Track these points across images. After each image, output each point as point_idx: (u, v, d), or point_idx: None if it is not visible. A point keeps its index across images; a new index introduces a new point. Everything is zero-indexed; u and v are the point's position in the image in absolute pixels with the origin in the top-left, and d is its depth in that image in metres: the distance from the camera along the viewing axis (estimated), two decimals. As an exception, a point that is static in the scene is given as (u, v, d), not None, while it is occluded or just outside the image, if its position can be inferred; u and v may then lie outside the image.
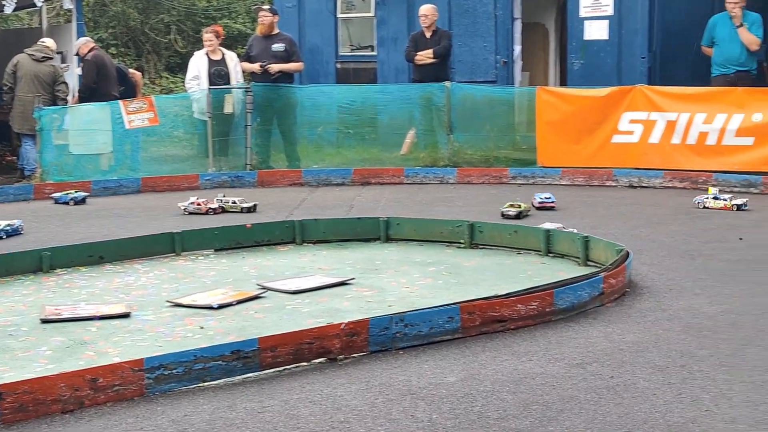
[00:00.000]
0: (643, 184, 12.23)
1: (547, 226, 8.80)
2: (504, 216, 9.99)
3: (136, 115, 13.51)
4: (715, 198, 10.40)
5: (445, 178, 13.09)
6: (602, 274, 6.85)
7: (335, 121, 14.46)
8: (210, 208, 10.76)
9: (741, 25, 12.36)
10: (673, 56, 13.98)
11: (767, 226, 9.62)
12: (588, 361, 5.64)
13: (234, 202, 10.87)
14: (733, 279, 7.47)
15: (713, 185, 11.35)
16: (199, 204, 10.80)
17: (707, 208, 10.40)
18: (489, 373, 5.45)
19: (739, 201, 10.33)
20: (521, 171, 12.97)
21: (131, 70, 16.08)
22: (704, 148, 12.18)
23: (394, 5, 16.02)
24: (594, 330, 6.24)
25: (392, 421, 4.77)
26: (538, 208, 10.53)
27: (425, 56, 13.94)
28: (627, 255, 7.31)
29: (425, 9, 14.05)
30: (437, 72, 13.89)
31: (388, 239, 9.08)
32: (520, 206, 10.15)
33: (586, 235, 8.14)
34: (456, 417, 4.82)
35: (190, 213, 10.74)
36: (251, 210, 10.82)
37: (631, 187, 12.25)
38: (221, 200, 10.90)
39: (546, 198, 10.67)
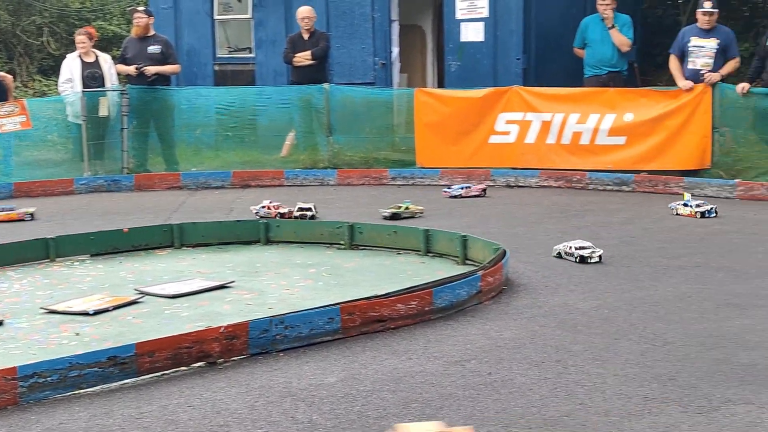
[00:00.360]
0: (520, 184, 12.43)
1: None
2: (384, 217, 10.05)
3: (7, 119, 13.21)
4: (685, 205, 10.14)
5: (325, 180, 13.11)
6: (480, 273, 6.95)
7: (213, 123, 14.34)
8: (279, 213, 10.41)
9: (612, 26, 12.65)
10: (548, 57, 14.23)
11: (639, 223, 9.87)
12: (466, 358, 5.72)
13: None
14: (605, 275, 7.65)
15: (628, 185, 11.59)
16: (269, 208, 10.52)
17: (679, 215, 10.11)
18: (369, 373, 5.48)
19: (703, 209, 9.98)
20: (401, 172, 13.06)
21: (1, 74, 15.66)
22: (578, 147, 12.43)
23: (272, 7, 15.97)
24: (472, 327, 6.33)
25: (272, 424, 4.77)
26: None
27: (303, 58, 13.94)
28: (504, 253, 7.43)
29: (304, 11, 14.05)
30: (316, 74, 13.90)
31: (269, 242, 9.06)
32: (399, 207, 10.22)
33: (464, 234, 8.24)
34: (336, 417, 4.83)
35: (261, 217, 10.28)
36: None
37: (509, 186, 12.44)
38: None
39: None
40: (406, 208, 10.29)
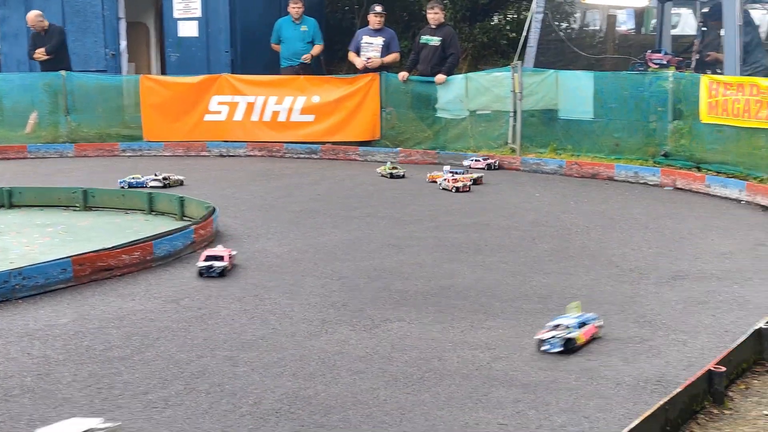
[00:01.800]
0: (231, 154, 12.31)
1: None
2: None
3: None
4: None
5: (64, 153, 12.45)
6: (193, 227, 6.84)
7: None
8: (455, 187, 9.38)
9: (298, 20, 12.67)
10: (251, 51, 14.08)
11: (324, 184, 10.02)
12: (181, 297, 5.63)
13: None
14: (296, 225, 7.73)
15: (285, 153, 11.62)
16: (448, 180, 9.51)
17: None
18: (97, 313, 5.29)
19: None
20: (130, 145, 12.58)
21: None
22: (277, 123, 12.44)
23: (14, 5, 14.89)
24: (187, 272, 6.23)
25: (11, 360, 4.51)
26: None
27: (41, 54, 13.14)
28: (213, 210, 7.35)
29: (30, 18, 13.22)
30: (59, 64, 13.12)
31: (12, 206, 8.50)
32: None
33: (181, 195, 8.08)
34: (67, 351, 4.63)
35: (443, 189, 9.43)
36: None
37: (221, 156, 12.28)
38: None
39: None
40: (393, 167, 10.29)
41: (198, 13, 14.02)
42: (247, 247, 6.94)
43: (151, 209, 8.16)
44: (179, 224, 7.37)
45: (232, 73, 13.22)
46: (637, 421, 3.41)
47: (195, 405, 3.99)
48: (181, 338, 4.84)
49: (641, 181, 9.80)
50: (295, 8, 12.78)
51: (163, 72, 14.98)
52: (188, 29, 14.06)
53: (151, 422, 3.82)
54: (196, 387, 4.19)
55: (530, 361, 4.54)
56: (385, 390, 4.16)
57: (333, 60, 15.22)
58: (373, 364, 4.48)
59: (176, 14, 14.17)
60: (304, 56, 12.53)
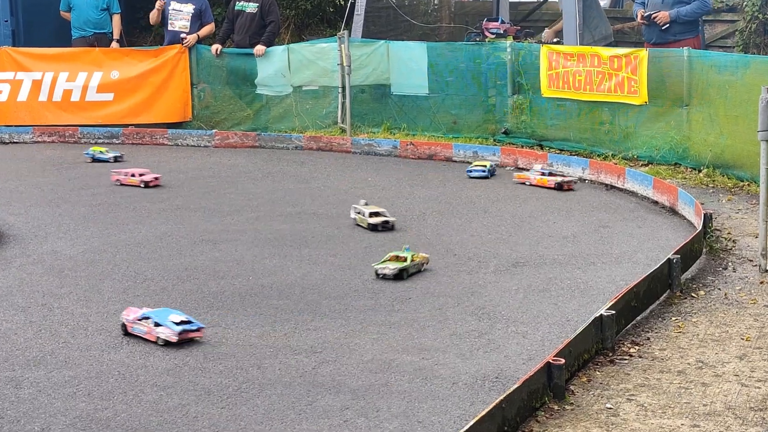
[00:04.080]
0: (15, 140, 11.80)
1: None
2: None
3: None
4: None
5: None
6: (-32, 227, 6.55)
7: None
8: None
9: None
10: (37, 20, 13.55)
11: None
12: (-46, 310, 5.39)
13: None
14: (93, 222, 7.53)
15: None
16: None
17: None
18: None
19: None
20: None
21: None
22: (70, 104, 12.03)
23: None
24: (-39, 280, 5.96)
25: None
26: None
27: None
28: (-8, 207, 7.07)
29: None
30: None
31: None
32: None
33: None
34: None
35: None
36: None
37: (2, 143, 11.76)
38: None
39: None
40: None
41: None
42: (33, 248, 6.71)
43: None
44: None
45: (14, 45, 12.69)
46: (471, 423, 3.52)
47: (-30, 436, 3.83)
48: (-46, 359, 4.63)
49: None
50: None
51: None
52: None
53: None
54: (-29, 415, 4.02)
55: (360, 363, 4.60)
56: (196, 406, 4.12)
57: (134, 29, 14.85)
58: (183, 378, 4.42)
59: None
60: (189, 38, 11.93)
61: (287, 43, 12.83)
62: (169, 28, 12.16)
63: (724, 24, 12.94)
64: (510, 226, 7.40)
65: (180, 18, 12.15)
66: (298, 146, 11.10)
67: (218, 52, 11.90)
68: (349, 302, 5.55)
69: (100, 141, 11.59)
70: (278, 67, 11.80)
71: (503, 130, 10.76)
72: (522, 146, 10.38)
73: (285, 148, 11.08)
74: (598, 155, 9.73)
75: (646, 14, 10.23)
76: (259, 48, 11.71)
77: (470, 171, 9.33)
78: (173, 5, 12.13)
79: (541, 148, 10.26)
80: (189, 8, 12.11)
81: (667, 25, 10.13)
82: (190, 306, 5.43)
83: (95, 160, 10.30)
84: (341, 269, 6.23)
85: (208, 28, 12.21)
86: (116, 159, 10.32)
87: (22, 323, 5.14)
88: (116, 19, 12.47)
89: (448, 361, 4.63)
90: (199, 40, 12.08)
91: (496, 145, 10.49)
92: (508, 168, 9.72)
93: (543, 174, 8.86)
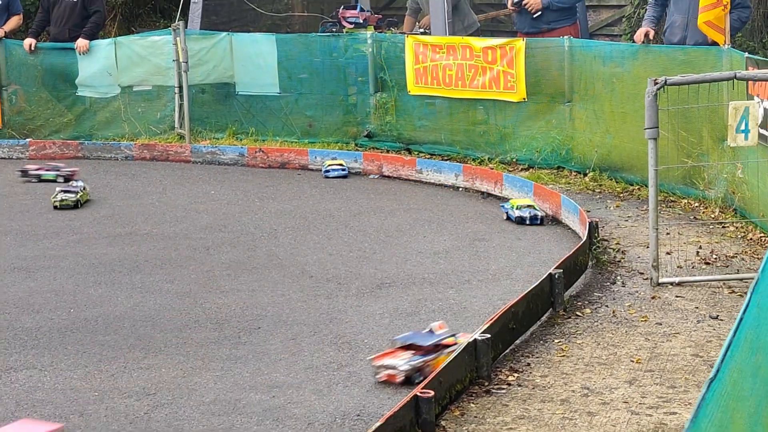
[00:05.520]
0: None
1: None
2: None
3: None
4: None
5: None
6: None
7: None
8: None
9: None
10: None
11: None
12: None
13: None
14: None
15: None
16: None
17: None
18: None
19: None
20: None
21: None
22: None
23: None
24: None
25: None
26: None
27: None
28: None
29: None
30: None
31: None
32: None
33: None
34: None
35: None
36: None
37: None
38: None
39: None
40: None
41: None
42: None
43: None
44: None
45: None
46: (327, 468, 3.53)
47: None
48: None
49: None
50: None
51: None
52: None
53: None
54: None
55: (201, 405, 4.57)
56: (5, 463, 4.02)
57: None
58: (-11, 431, 4.31)
59: None
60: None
61: (114, 36, 12.64)
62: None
63: (610, 10, 13.30)
64: (374, 242, 7.46)
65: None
66: (129, 156, 10.98)
67: (32, 48, 11.65)
68: (189, 335, 5.50)
69: None
70: (104, 64, 11.62)
71: (366, 132, 10.84)
72: (387, 151, 10.50)
73: (113, 158, 10.94)
74: (473, 159, 9.91)
75: (516, 1, 10.45)
76: (81, 42, 11.52)
77: (327, 171, 9.47)
78: (-30, -6, 11.83)
79: (409, 153, 10.38)
80: (-7, -1, 11.83)
81: (540, 12, 10.37)
82: (0, 345, 5.30)
83: None
84: (179, 297, 6.18)
85: (15, 20, 11.94)
86: None
87: None
88: (12, 21, 12.01)
89: (302, 398, 4.64)
90: (6, 35, 11.80)
91: (358, 149, 10.56)
92: (371, 176, 9.80)
93: None
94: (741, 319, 1.85)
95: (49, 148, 11.23)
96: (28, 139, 11.44)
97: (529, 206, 8.03)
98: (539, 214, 7.89)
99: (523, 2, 10.36)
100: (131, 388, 4.79)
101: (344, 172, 9.54)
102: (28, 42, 11.67)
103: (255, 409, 4.52)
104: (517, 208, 7.96)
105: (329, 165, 9.66)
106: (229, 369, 5.01)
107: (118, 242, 7.50)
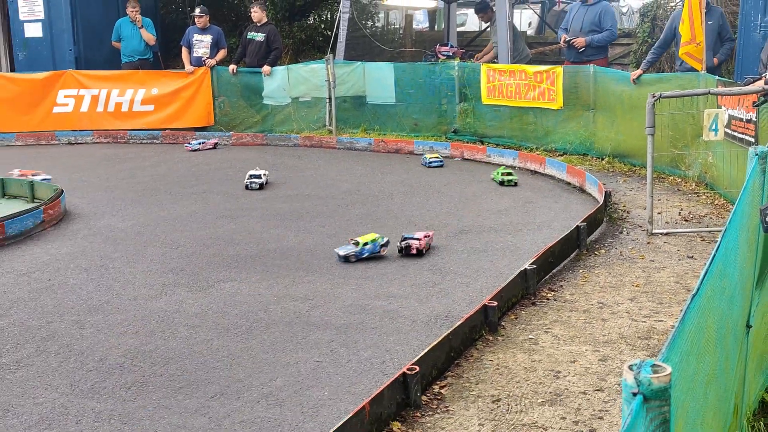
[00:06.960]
0: (78, 141, 11.70)
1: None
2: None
3: None
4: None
5: None
6: (42, 207, 6.50)
7: None
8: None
9: (141, 27, 12.20)
10: (94, 48, 13.38)
11: (164, 165, 9.70)
12: (32, 270, 5.35)
13: None
14: (139, 203, 7.48)
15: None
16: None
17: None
18: (-50, 290, 4.94)
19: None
20: (-19, 136, 11.74)
21: None
22: (121, 113, 11.92)
23: None
24: (37, 248, 5.93)
25: None
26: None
27: None
28: (61, 192, 7.01)
29: None
30: None
31: None
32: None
33: (31, 180, 7.64)
34: None
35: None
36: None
37: (70, 144, 11.65)
38: None
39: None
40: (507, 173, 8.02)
41: (41, 15, 13.17)
42: (93, 223, 6.67)
43: (4, 193, 7.67)
44: (30, 205, 6.97)
45: (77, 68, 12.54)
46: (425, 350, 3.55)
47: (45, 365, 3.82)
48: (32, 307, 4.61)
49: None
50: (132, 11, 12.24)
51: (13, 70, 14.03)
52: (33, 30, 13.19)
53: (4, 382, 3.63)
54: (46, 349, 4.01)
55: (342, 307, 4.62)
56: (218, 340, 4.13)
57: (170, 56, 14.70)
58: (208, 319, 4.43)
59: (21, 16, 13.26)
60: (209, 61, 11.83)
61: (287, 64, 12.74)
62: (194, 54, 12.05)
63: (622, 47, 12.95)
64: (457, 202, 7.41)
65: (202, 46, 12.01)
66: (296, 144, 11.06)
67: (234, 72, 11.81)
68: (334, 262, 5.55)
69: (144, 141, 11.50)
70: (280, 83, 11.71)
71: (453, 129, 10.74)
72: (467, 142, 10.38)
73: (285, 145, 11.03)
74: (525, 148, 9.75)
75: (567, 39, 10.21)
76: (266, 68, 11.63)
77: (430, 162, 9.21)
78: (196, 36, 12.01)
79: (482, 143, 10.26)
80: (208, 38, 11.99)
81: (583, 48, 10.13)
82: (214, 266, 5.43)
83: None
84: (328, 236, 6.23)
85: (222, 53, 12.10)
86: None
87: (84, 280, 5.12)
88: (221, 54, 12.13)
89: (409, 305, 4.66)
90: (217, 63, 11.99)
91: (447, 141, 10.48)
92: (456, 159, 9.72)
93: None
94: (714, 255, 1.80)
95: (245, 138, 11.36)
96: (231, 132, 11.60)
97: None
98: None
99: (572, 41, 10.11)
100: (297, 294, 4.86)
101: (441, 163, 9.28)
102: (231, 67, 11.81)
103: (377, 311, 4.56)
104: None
105: (430, 158, 9.32)
106: (360, 284, 5.05)
107: (289, 200, 7.59)
